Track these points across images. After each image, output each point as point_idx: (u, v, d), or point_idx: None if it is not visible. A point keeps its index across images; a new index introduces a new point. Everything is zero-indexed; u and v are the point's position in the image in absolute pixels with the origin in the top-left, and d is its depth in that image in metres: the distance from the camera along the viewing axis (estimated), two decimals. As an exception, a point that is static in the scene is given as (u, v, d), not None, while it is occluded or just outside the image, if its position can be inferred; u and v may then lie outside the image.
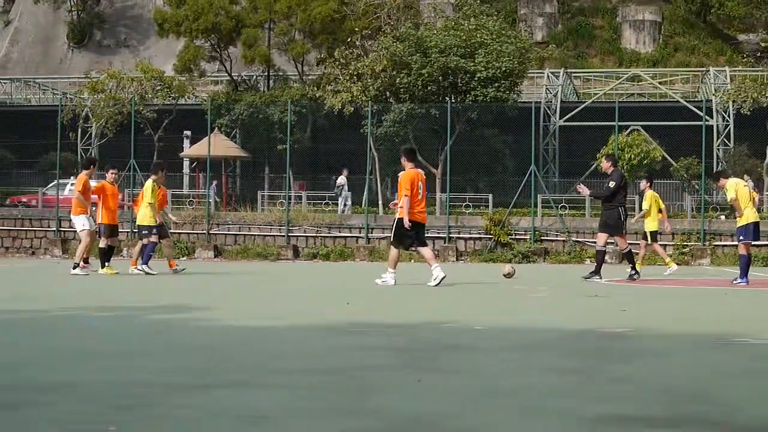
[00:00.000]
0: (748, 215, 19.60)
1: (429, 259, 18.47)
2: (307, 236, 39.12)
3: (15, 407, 5.01)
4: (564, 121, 47.88)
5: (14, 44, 73.27)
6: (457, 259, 35.62)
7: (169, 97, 49.19)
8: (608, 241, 21.25)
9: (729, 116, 47.61)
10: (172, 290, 16.93)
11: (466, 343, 8.48)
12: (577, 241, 37.34)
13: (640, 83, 53.19)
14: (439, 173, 42.02)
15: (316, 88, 46.81)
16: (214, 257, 37.93)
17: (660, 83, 52.78)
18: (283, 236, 38.91)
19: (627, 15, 68.63)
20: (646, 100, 50.38)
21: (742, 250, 20.00)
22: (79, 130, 49.00)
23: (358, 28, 45.70)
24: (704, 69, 54.22)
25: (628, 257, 21.07)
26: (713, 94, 48.31)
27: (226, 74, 54.73)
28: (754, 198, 20.28)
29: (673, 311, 12.91)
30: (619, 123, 40.76)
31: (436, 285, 17.26)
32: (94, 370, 6.62)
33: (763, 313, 12.59)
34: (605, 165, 21.65)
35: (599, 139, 43.18)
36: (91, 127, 49.10)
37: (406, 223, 17.84)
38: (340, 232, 39.18)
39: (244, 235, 39.68)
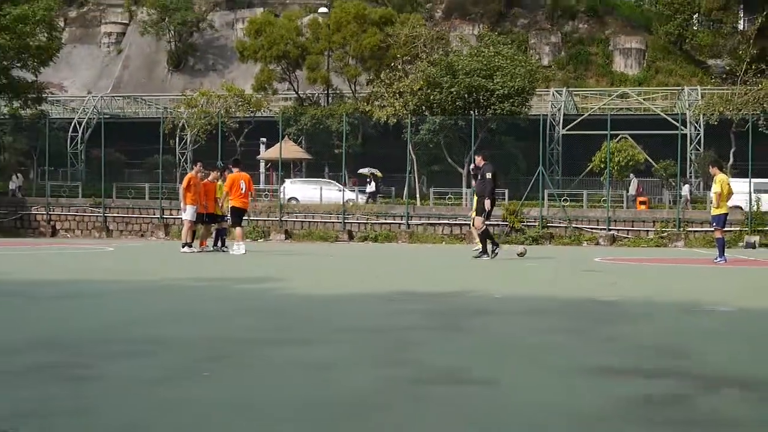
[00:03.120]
0: (723, 208, 19.59)
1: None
2: (359, 222, 39.18)
3: (131, 355, 5.06)
4: (566, 131, 47.74)
5: (125, 69, 73.58)
6: (481, 241, 35.50)
7: (248, 111, 49.38)
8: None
9: (700, 126, 47.42)
10: (255, 265, 16.99)
11: (487, 309, 8.47)
12: (577, 227, 37.24)
13: (627, 99, 52.89)
14: (465, 173, 42.00)
15: (365, 104, 46.86)
16: (285, 239, 38.05)
17: (644, 100, 52.46)
18: (340, 222, 38.96)
19: (617, 44, 68.29)
20: (633, 113, 50.09)
21: (717, 234, 20.00)
22: (177, 137, 49.24)
23: (399, 55, 45.67)
24: (680, 88, 53.91)
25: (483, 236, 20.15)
26: (687, 109, 48.10)
27: (294, 92, 54.78)
28: (731, 193, 20.15)
29: (655, 284, 12.84)
30: (611, 132, 40.67)
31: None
32: (192, 328, 6.66)
33: (730, 286, 12.49)
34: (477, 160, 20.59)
35: (594, 145, 43.25)
36: (186, 135, 49.30)
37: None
38: (385, 219, 39.22)
39: (309, 221, 39.78)
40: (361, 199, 43.69)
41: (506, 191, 39.91)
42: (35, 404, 3.74)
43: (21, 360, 4.89)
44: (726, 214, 20.06)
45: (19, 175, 49.02)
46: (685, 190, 42.82)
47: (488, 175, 19.07)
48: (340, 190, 41.49)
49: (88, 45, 75.59)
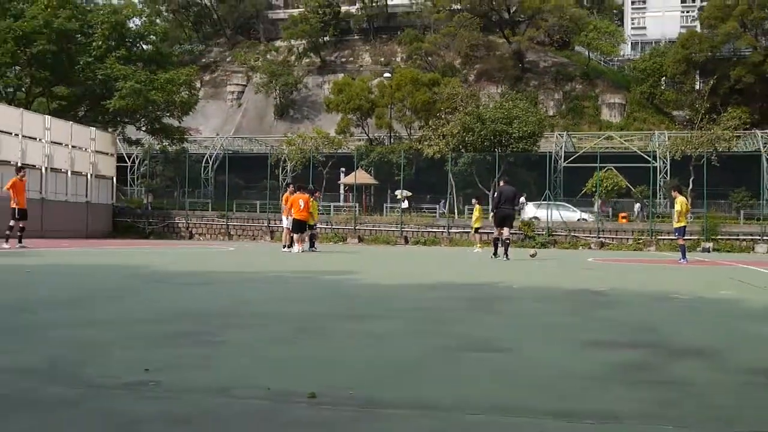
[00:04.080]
0: (683, 221, 19.58)
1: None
2: (412, 230, 39.15)
3: (244, 327, 5.07)
4: (566, 164, 47.40)
5: (243, 117, 74.46)
6: (493, 245, 35.40)
7: (332, 148, 49.62)
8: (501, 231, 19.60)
9: (667, 161, 46.89)
10: (335, 261, 17.05)
11: (508, 296, 8.41)
12: (574, 236, 36.99)
13: (612, 140, 52.33)
14: (491, 194, 41.86)
15: (418, 143, 46.89)
16: (358, 242, 38.13)
17: (624, 140, 51.88)
18: (399, 230, 38.96)
19: (604, 100, 67.92)
20: (616, 151, 49.51)
21: (680, 242, 20.13)
22: (280, 167, 49.67)
23: (443, 108, 45.75)
24: (652, 132, 53.36)
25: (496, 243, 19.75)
26: (657, 148, 47.60)
27: (365, 135, 55.05)
28: (689, 210, 20.17)
29: (634, 278, 12.66)
30: (600, 165, 40.52)
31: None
32: (289, 307, 6.68)
33: (690, 280, 12.27)
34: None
35: (587, 174, 43.25)
36: (287, 165, 49.71)
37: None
38: (432, 228, 39.20)
39: (376, 229, 39.84)
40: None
41: (514, 208, 39.79)
42: (174, 360, 3.76)
43: (164, 329, 4.93)
44: (685, 227, 20.05)
45: (150, 192, 49.79)
46: (637, 207, 43.30)
47: (495, 194, 19.29)
48: (573, 211, 40.73)
49: (217, 100, 76.59)
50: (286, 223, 22.64)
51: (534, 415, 2.85)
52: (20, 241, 19.78)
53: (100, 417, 2.68)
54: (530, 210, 40.40)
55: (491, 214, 19.14)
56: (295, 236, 21.85)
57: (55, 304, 6.49)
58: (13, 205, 19.89)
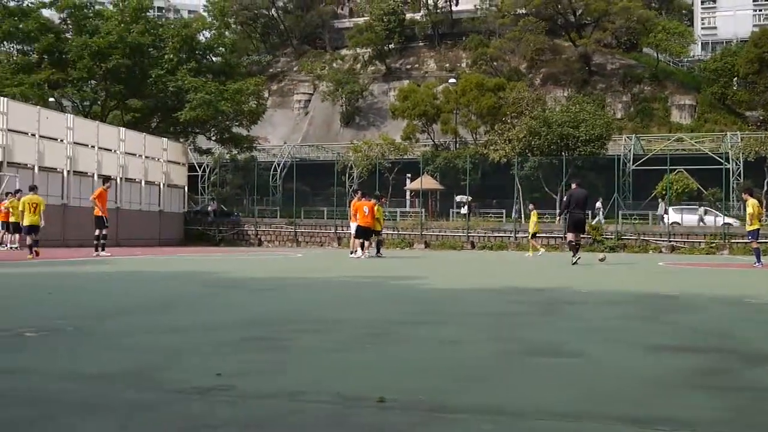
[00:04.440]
0: (755, 224, 19.11)
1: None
2: (479, 235, 38.96)
3: (313, 331, 5.12)
4: (635, 167, 46.58)
5: (310, 125, 75.17)
6: (570, 250, 34.98)
7: (398, 154, 49.73)
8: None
9: (739, 162, 45.73)
10: (402, 267, 17.07)
11: (576, 300, 8.30)
12: (644, 239, 36.33)
13: (682, 142, 51.19)
14: (558, 198, 41.44)
15: (483, 148, 46.68)
16: (425, 248, 38.11)
17: (695, 142, 50.67)
18: (465, 235, 38.83)
19: (674, 101, 66.55)
20: (687, 153, 48.43)
21: (754, 245, 19.55)
22: (347, 174, 50.00)
23: (509, 112, 45.48)
24: (724, 133, 51.98)
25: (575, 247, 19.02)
26: (729, 149, 46.46)
27: (431, 140, 55.02)
28: (762, 213, 19.64)
29: (707, 282, 12.38)
30: (670, 167, 39.75)
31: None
32: (358, 312, 6.72)
33: (766, 284, 11.92)
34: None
35: (657, 177, 42.50)
36: (353, 172, 49.99)
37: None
38: (498, 233, 38.94)
39: (442, 234, 39.77)
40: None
41: (590, 212, 39.26)
42: (246, 365, 3.82)
43: (236, 334, 5.01)
44: (758, 229, 19.45)
45: (214, 201, 50.60)
46: (700, 211, 42.17)
47: (564, 198, 18.77)
48: (716, 216, 39.66)
49: (284, 109, 77.52)
50: (353, 228, 22.83)
51: (604, 421, 2.81)
52: (96, 249, 20.56)
53: (176, 421, 2.74)
54: (672, 215, 39.62)
55: (558, 217, 18.73)
56: (357, 242, 21.97)
57: (132, 311, 6.66)
58: (99, 213, 20.74)
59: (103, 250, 20.95)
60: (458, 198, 46.63)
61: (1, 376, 3.49)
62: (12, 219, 25.08)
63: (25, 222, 19.17)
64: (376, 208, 23.23)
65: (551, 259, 23.96)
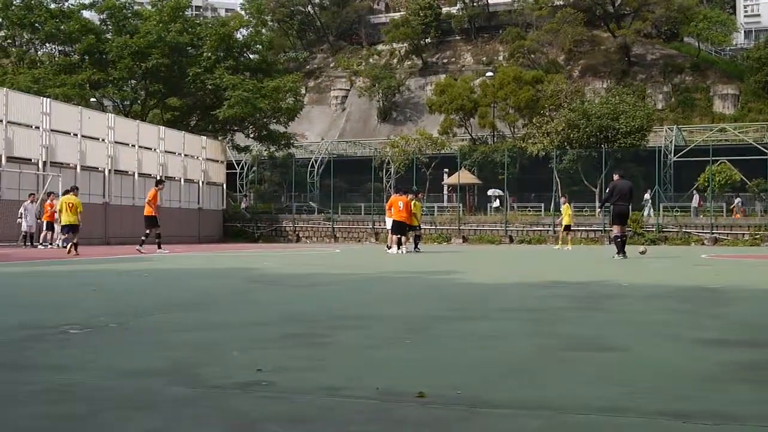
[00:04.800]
0: None
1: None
2: (517, 229, 38.79)
3: (352, 328, 5.14)
4: (676, 158, 45.96)
5: (347, 121, 75.37)
6: (609, 243, 34.66)
7: (435, 149, 49.61)
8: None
9: (785, 152, 45.00)
10: (440, 262, 17.06)
11: (617, 294, 8.23)
12: (686, 232, 35.92)
13: (726, 133, 50.38)
14: (598, 191, 41.09)
15: (521, 141, 46.42)
16: (462, 242, 38.03)
17: (739, 132, 49.85)
18: (503, 229, 38.67)
19: (716, 91, 65.61)
20: (730, 143, 47.68)
21: None
22: (384, 170, 50.02)
23: (547, 105, 45.29)
24: (768, 123, 51.16)
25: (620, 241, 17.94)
26: (774, 139, 45.69)
27: (468, 135, 54.81)
28: None
29: (752, 275, 12.19)
30: (713, 158, 39.20)
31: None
32: (396, 308, 6.73)
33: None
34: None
35: (699, 168, 41.98)
36: (390, 167, 49.99)
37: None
38: (537, 227, 38.73)
39: (480, 229, 39.65)
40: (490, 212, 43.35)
41: (630, 205, 38.90)
42: (286, 361, 3.85)
43: (275, 330, 5.05)
44: None
45: (247, 196, 50.96)
46: (737, 201, 41.58)
47: (608, 189, 18.01)
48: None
49: (321, 105, 77.84)
50: (389, 224, 22.87)
51: (646, 415, 2.78)
52: (141, 245, 21.07)
53: (219, 417, 2.77)
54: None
55: (598, 210, 18.16)
56: (394, 237, 22.01)
57: (174, 308, 6.74)
58: (150, 213, 21.46)
59: (161, 248, 21.61)
60: (490, 192, 46.51)
61: (48, 373, 3.55)
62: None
63: (63, 221, 19.69)
64: (413, 203, 23.21)
65: (591, 253, 23.78)
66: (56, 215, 24.81)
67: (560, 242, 29.43)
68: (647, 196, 40.49)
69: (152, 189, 22.46)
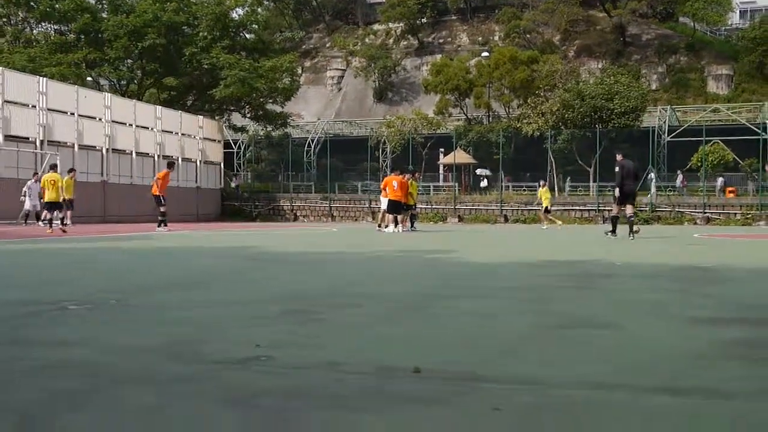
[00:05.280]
0: None
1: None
2: (512, 208, 38.83)
3: (348, 306, 5.16)
4: (670, 138, 45.95)
5: (343, 101, 75.18)
6: (603, 222, 34.75)
7: (431, 129, 49.52)
8: (621, 208, 17.87)
9: (777, 132, 45.05)
10: (436, 241, 17.07)
11: (611, 273, 8.25)
12: (679, 211, 35.99)
13: (719, 113, 50.32)
14: (592, 171, 41.12)
15: (516, 122, 46.31)
16: (458, 222, 38.06)
17: (732, 113, 49.80)
18: (498, 209, 38.69)
19: (710, 71, 65.49)
20: (723, 123, 47.62)
21: None
22: (380, 149, 49.94)
23: (542, 85, 45.11)
24: (761, 103, 51.01)
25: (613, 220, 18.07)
26: (767, 119, 45.62)
27: (464, 115, 54.72)
28: None
29: (743, 254, 12.23)
30: (705, 138, 39.23)
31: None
32: (392, 286, 6.75)
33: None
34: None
35: (692, 149, 42.23)
36: (386, 147, 49.92)
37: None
38: (531, 206, 38.79)
39: (475, 208, 39.68)
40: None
41: (636, 184, 39.06)
42: (284, 337, 3.88)
43: (274, 307, 5.06)
44: None
45: (237, 176, 50.97)
46: (720, 181, 41.72)
47: (616, 169, 17.79)
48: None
49: (317, 85, 77.57)
50: (383, 204, 22.88)
51: (639, 391, 2.81)
52: (163, 225, 21.80)
53: (218, 391, 2.79)
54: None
55: (616, 190, 17.76)
56: (390, 217, 21.99)
57: (173, 285, 6.76)
58: (156, 192, 21.94)
59: (160, 226, 21.85)
60: (478, 171, 46.58)
61: (48, 348, 3.57)
62: (66, 196, 25.52)
63: (46, 199, 19.79)
64: (410, 182, 23.22)
65: (586, 232, 23.83)
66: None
67: (547, 223, 29.65)
68: (652, 175, 40.54)
69: (163, 170, 22.68)
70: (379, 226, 22.69)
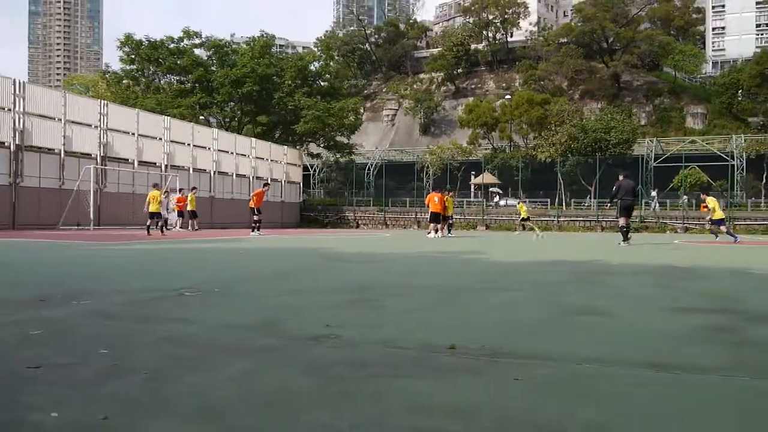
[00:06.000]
0: (720, 215, 19.92)
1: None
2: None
3: (400, 295, 5.16)
4: (656, 164, 45.00)
5: (396, 134, 75.26)
6: (601, 230, 34.08)
7: (464, 156, 49.22)
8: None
9: (743, 160, 43.72)
10: (468, 244, 16.95)
11: (608, 271, 8.09)
12: (663, 222, 35.13)
13: (695, 144, 49.03)
14: (593, 190, 40.44)
15: (533, 150, 45.79)
16: (486, 229, 37.71)
17: (706, 143, 48.48)
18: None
19: (689, 110, 64.14)
20: (698, 152, 46.39)
21: (723, 229, 20.06)
22: (424, 172, 49.84)
23: (553, 121, 44.57)
24: (730, 136, 49.58)
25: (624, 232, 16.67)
26: (735, 149, 44.39)
27: (491, 145, 54.29)
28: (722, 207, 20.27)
29: (714, 256, 11.88)
30: (684, 164, 38.29)
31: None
32: (433, 280, 6.72)
33: (764, 258, 11.37)
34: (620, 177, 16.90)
35: (674, 172, 41.25)
36: (429, 170, 49.78)
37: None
38: (544, 217, 38.22)
39: (499, 219, 39.29)
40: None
41: (619, 201, 38.15)
42: (349, 320, 3.89)
43: (341, 297, 5.08)
44: (723, 219, 20.16)
45: (304, 193, 51.01)
46: (654, 194, 40.62)
47: (614, 187, 16.61)
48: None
49: (375, 122, 77.81)
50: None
51: (631, 366, 2.77)
52: (257, 230, 21.65)
53: (300, 361, 2.82)
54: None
55: (608, 204, 17.30)
56: (432, 225, 22.06)
57: (263, 277, 6.83)
58: (252, 205, 21.86)
59: (254, 231, 21.74)
60: (492, 190, 46.15)
61: (174, 324, 3.64)
62: (189, 208, 26.03)
63: (151, 210, 20.00)
64: (447, 198, 23.19)
65: (589, 238, 23.41)
66: (169, 205, 25.48)
67: (537, 232, 28.66)
68: (654, 193, 39.73)
69: (259, 188, 22.92)
70: (428, 232, 22.65)
